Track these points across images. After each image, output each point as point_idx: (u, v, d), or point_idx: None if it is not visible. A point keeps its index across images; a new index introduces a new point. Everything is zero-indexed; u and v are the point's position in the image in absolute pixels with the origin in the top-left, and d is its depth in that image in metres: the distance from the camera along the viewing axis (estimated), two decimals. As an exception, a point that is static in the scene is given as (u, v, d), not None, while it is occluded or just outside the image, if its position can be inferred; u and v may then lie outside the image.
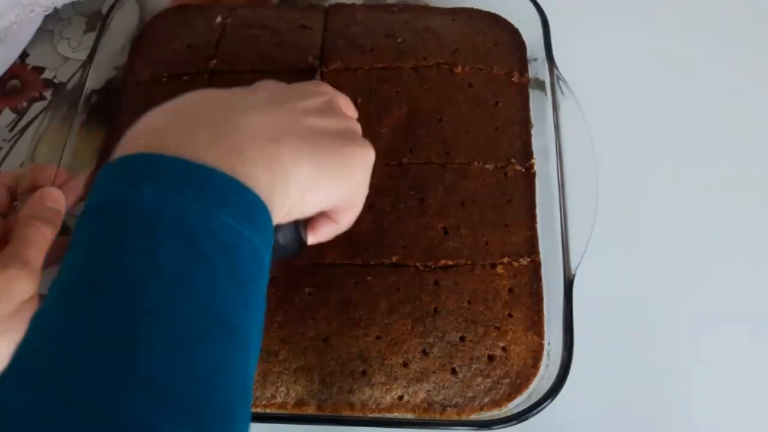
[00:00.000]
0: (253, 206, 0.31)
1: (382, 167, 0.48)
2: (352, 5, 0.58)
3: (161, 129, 0.33)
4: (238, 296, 0.29)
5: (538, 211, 0.48)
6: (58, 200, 0.43)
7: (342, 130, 0.37)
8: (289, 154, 0.33)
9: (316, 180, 0.35)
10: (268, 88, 0.38)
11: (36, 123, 0.59)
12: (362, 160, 0.38)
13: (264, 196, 0.31)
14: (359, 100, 0.51)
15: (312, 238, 0.39)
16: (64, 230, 0.50)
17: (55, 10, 0.61)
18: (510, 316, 0.45)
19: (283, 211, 0.34)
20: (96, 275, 0.28)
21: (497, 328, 0.44)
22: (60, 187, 0.45)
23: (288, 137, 0.34)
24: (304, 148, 0.34)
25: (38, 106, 0.60)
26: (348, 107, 0.43)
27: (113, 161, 0.31)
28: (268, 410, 0.43)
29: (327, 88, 0.41)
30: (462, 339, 0.44)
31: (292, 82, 0.39)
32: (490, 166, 0.49)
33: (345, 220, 0.40)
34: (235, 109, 0.34)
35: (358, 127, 0.40)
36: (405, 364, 0.43)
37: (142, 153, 0.31)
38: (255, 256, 0.30)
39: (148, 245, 0.28)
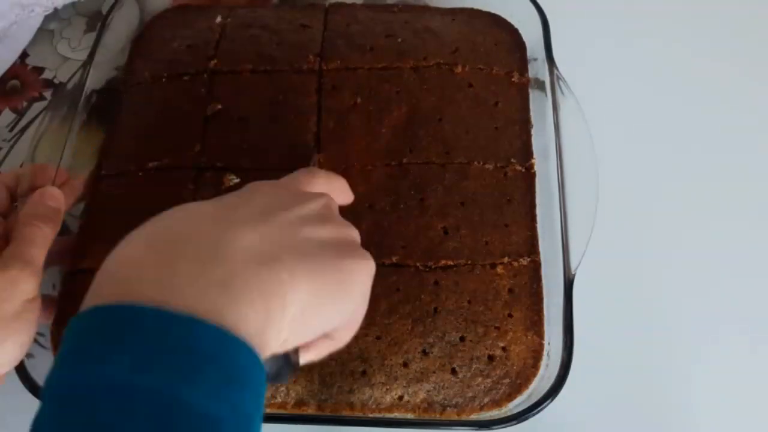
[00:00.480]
0: (243, 365, 0.27)
1: (382, 167, 0.48)
2: (353, 5, 0.58)
3: (138, 262, 0.28)
4: None
5: (538, 211, 0.48)
6: (57, 199, 0.43)
7: (340, 240, 0.34)
8: (285, 274, 0.30)
9: (316, 300, 0.31)
10: (259, 193, 0.34)
11: (36, 123, 0.59)
12: (363, 274, 0.35)
13: (256, 339, 0.27)
14: (359, 99, 0.51)
15: (305, 358, 0.35)
16: (63, 230, 0.50)
17: (55, 10, 0.61)
18: (510, 316, 0.45)
19: (279, 341, 0.30)
20: None
21: (497, 328, 0.44)
22: (60, 186, 0.46)
23: (284, 254, 0.30)
24: (302, 266, 0.31)
25: (38, 106, 0.60)
26: (344, 192, 0.41)
27: (81, 315, 0.27)
28: (267, 410, 0.43)
29: (322, 184, 0.38)
30: (462, 339, 0.44)
31: (286, 168, 0.37)
32: (490, 166, 0.49)
33: (344, 338, 0.36)
34: (223, 228, 0.30)
35: (357, 235, 0.37)
36: (405, 364, 0.43)
37: (112, 305, 0.27)
38: (243, 422, 0.26)
39: None
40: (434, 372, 0.43)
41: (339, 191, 0.40)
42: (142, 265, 0.28)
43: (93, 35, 0.56)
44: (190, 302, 0.26)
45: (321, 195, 0.36)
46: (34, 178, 0.45)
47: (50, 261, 0.43)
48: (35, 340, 0.45)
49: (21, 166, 0.54)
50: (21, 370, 0.42)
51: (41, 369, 0.43)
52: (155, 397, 0.24)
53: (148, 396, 0.24)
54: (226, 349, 0.26)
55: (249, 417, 0.27)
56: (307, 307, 0.31)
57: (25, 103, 0.60)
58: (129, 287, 0.27)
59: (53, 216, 0.42)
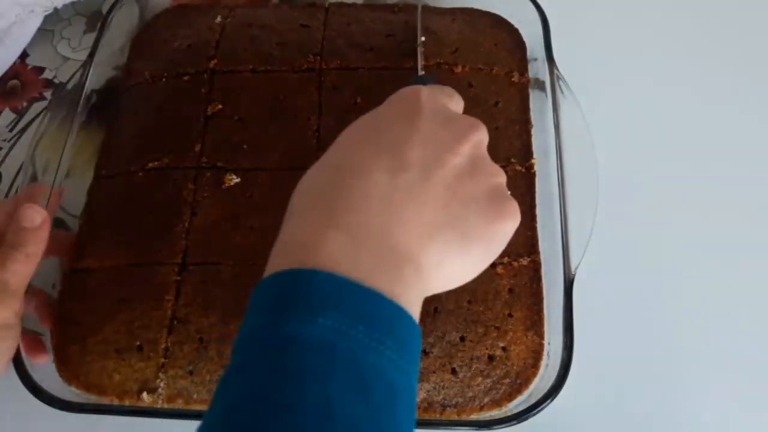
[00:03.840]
0: (412, 338, 0.31)
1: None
2: (353, 5, 0.58)
3: (322, 237, 0.31)
4: None
5: (538, 211, 0.48)
6: (31, 218, 0.41)
7: (490, 193, 0.35)
8: (442, 248, 0.33)
9: (463, 263, 0.35)
10: (416, 139, 0.35)
11: (36, 123, 0.59)
12: (510, 231, 0.36)
13: (414, 309, 0.31)
14: (359, 99, 0.51)
15: None
16: (60, 224, 0.50)
17: (55, 10, 0.61)
18: (510, 316, 0.45)
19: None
20: (268, 418, 0.27)
21: (497, 328, 0.44)
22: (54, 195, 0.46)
23: (443, 225, 0.33)
24: (457, 236, 0.34)
25: (38, 106, 0.60)
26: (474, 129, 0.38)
27: (277, 275, 0.31)
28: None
29: (474, 122, 0.38)
30: (462, 339, 0.44)
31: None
32: (490, 166, 0.49)
33: None
34: (391, 209, 0.33)
35: (503, 177, 0.37)
36: (405, 364, 0.43)
37: (310, 270, 0.30)
38: (408, 393, 0.30)
39: (322, 388, 0.27)
40: (434, 372, 0.43)
41: (455, 102, 0.41)
42: (326, 238, 0.31)
43: (93, 35, 0.56)
44: (375, 282, 0.30)
45: (472, 130, 0.36)
46: (28, 200, 0.45)
47: (51, 253, 0.43)
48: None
49: (21, 166, 0.55)
50: (21, 369, 0.42)
51: (41, 369, 0.43)
52: (353, 361, 0.28)
53: (348, 357, 0.28)
54: (401, 322, 0.30)
55: (414, 388, 0.31)
56: (455, 269, 0.34)
57: (25, 103, 0.60)
58: (321, 257, 0.30)
59: (26, 237, 0.41)
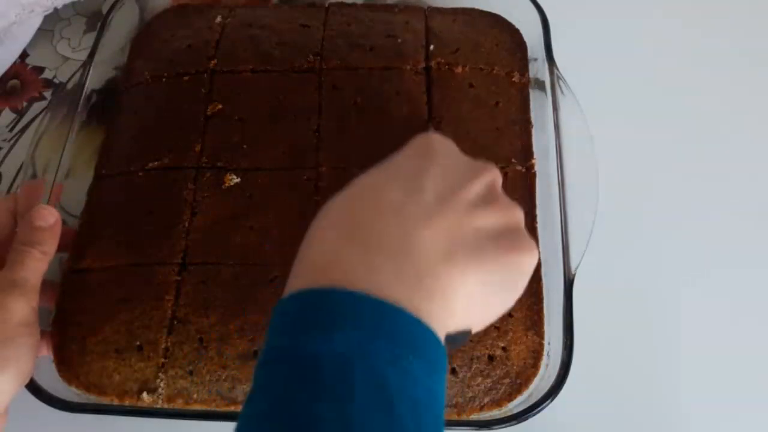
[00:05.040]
0: (437, 352, 0.31)
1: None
2: (353, 5, 0.58)
3: (339, 254, 0.32)
4: None
5: (538, 211, 0.48)
6: (45, 217, 0.43)
7: (506, 227, 0.35)
8: (458, 275, 0.32)
9: (483, 297, 0.34)
10: (432, 171, 0.35)
11: (36, 123, 0.59)
12: (527, 267, 0.35)
13: (440, 333, 0.31)
14: (359, 99, 0.51)
15: None
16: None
17: (55, 10, 0.61)
18: (510, 316, 0.45)
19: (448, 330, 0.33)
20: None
21: (497, 328, 0.44)
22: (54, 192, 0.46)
23: (459, 250, 0.33)
24: (473, 263, 0.33)
25: (38, 106, 0.60)
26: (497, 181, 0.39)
27: (296, 294, 0.31)
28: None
29: (487, 164, 0.38)
30: (462, 339, 0.44)
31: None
32: (490, 166, 0.49)
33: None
34: (409, 225, 0.33)
35: (520, 215, 0.37)
36: (405, 364, 0.43)
37: (327, 289, 0.30)
38: (434, 407, 0.30)
39: (341, 405, 0.27)
40: (434, 372, 0.43)
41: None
42: (345, 258, 0.31)
43: (93, 35, 0.56)
44: (394, 294, 0.30)
45: (487, 170, 0.37)
46: (29, 198, 0.45)
47: (58, 249, 0.43)
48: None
49: (21, 166, 0.55)
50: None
51: (41, 369, 0.43)
52: (373, 377, 0.28)
53: (368, 373, 0.28)
54: (425, 337, 0.30)
55: (440, 401, 0.31)
56: (474, 302, 0.34)
57: (25, 103, 0.60)
58: (338, 275, 0.31)
59: (42, 236, 0.42)
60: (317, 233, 0.34)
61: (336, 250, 0.32)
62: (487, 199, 0.35)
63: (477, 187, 0.35)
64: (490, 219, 0.35)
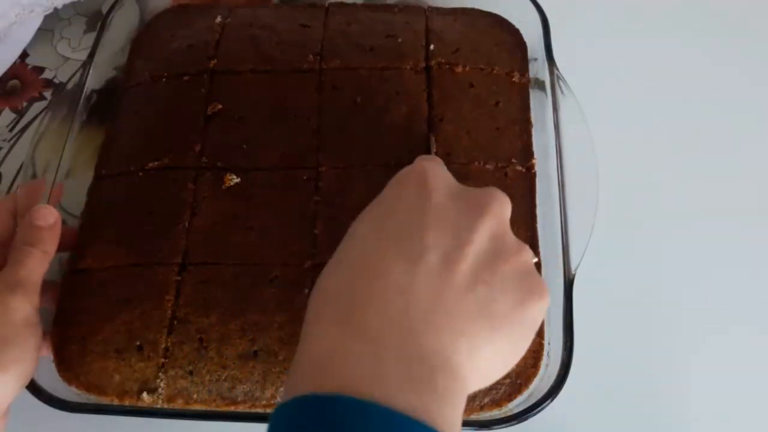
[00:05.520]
0: None
1: (382, 167, 0.48)
2: (353, 5, 0.58)
3: (341, 351, 0.29)
4: None
5: (538, 211, 0.48)
6: (45, 217, 0.43)
7: (517, 271, 0.33)
8: (467, 350, 0.30)
9: (494, 362, 0.33)
10: (429, 236, 0.32)
11: (36, 123, 0.59)
12: (540, 314, 0.34)
13: (453, 429, 0.29)
14: (359, 99, 0.51)
15: None
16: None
17: (55, 10, 0.61)
18: (510, 316, 0.45)
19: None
20: None
21: (497, 328, 0.44)
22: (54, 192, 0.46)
23: (467, 323, 0.31)
24: (484, 331, 0.31)
25: (38, 106, 0.60)
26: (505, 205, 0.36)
27: (298, 400, 0.28)
28: (268, 410, 0.43)
29: (489, 195, 0.35)
30: (462, 339, 0.44)
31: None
32: (490, 167, 0.49)
33: None
34: (414, 309, 0.30)
35: (530, 256, 0.35)
36: (405, 364, 0.43)
37: (332, 395, 0.28)
38: None
39: None
40: (434, 372, 0.43)
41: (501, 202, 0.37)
42: (345, 351, 0.29)
43: (93, 35, 0.56)
44: (404, 402, 0.27)
45: (491, 204, 0.34)
46: (29, 198, 0.45)
47: (59, 248, 0.43)
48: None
49: (21, 166, 0.55)
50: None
51: (41, 369, 0.43)
52: None
53: None
54: None
55: None
56: (489, 361, 0.32)
57: (25, 103, 0.60)
58: (342, 377, 0.28)
59: (42, 235, 0.42)
60: (315, 325, 0.31)
61: (337, 346, 0.30)
62: (493, 243, 0.33)
63: (484, 233, 0.33)
64: (499, 271, 0.33)
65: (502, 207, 0.35)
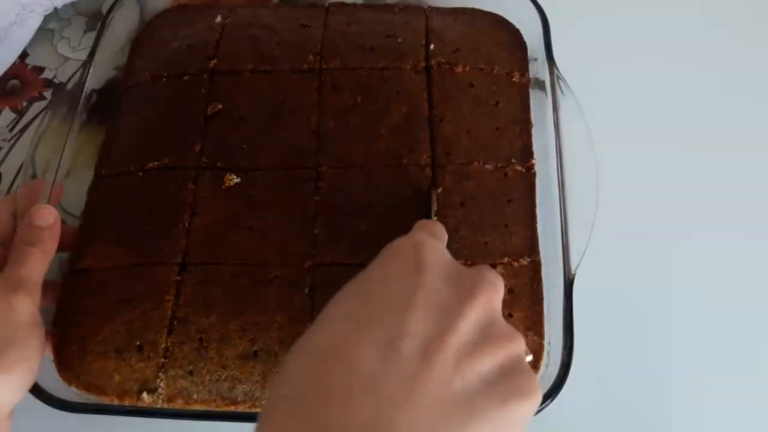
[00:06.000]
0: None
1: (382, 167, 0.48)
2: (353, 5, 0.58)
3: None
4: None
5: (538, 211, 0.48)
6: (45, 217, 0.43)
7: (503, 367, 0.31)
8: None
9: None
10: (420, 299, 0.30)
11: (36, 123, 0.59)
12: (529, 414, 0.31)
13: None
14: (359, 99, 0.51)
15: None
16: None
17: (55, 10, 0.61)
18: (510, 316, 0.45)
19: None
20: None
21: (497, 328, 0.44)
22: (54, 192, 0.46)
23: (448, 424, 0.28)
24: (466, 429, 0.28)
25: (38, 106, 0.60)
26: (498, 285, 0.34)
27: None
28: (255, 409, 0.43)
29: (483, 279, 0.33)
30: (462, 339, 0.44)
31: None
32: (490, 167, 0.49)
33: None
34: (381, 409, 0.27)
35: (521, 344, 0.32)
36: (405, 364, 0.43)
37: None
38: None
39: None
40: (434, 372, 0.43)
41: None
42: None
43: (93, 35, 0.56)
44: None
45: (482, 288, 0.32)
46: (29, 198, 0.45)
47: (59, 248, 0.43)
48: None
49: (21, 166, 0.55)
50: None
51: (41, 369, 0.43)
52: None
53: None
54: None
55: None
56: None
57: (25, 103, 0.60)
58: None
59: (42, 235, 0.43)
60: (275, 421, 0.28)
61: None
62: (481, 331, 0.31)
63: (470, 320, 0.31)
64: (484, 363, 0.30)
65: (495, 290, 0.33)
